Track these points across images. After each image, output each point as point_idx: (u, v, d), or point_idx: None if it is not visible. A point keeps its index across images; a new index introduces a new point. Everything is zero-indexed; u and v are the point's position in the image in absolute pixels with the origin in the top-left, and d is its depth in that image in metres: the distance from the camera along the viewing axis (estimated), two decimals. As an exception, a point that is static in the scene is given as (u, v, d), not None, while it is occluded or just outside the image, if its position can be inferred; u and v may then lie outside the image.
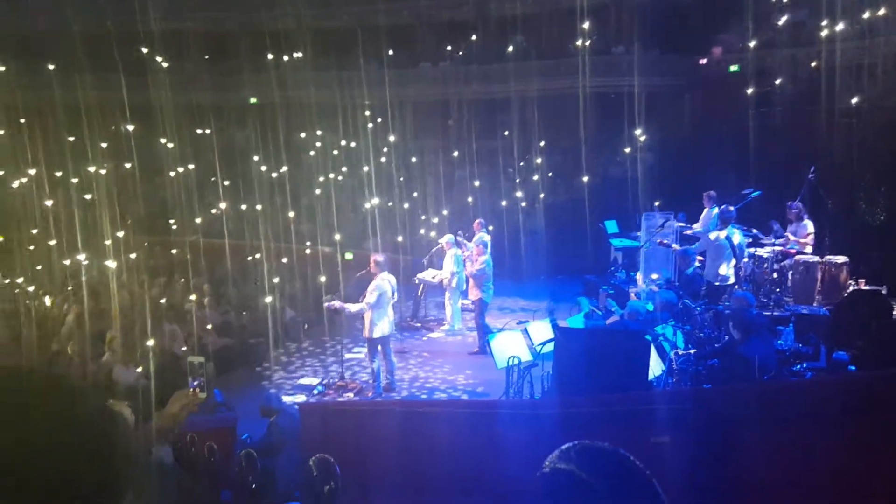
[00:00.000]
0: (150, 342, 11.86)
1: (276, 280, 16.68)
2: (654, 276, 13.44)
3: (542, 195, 22.31)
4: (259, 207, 21.90)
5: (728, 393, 6.33)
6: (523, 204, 22.36)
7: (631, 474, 1.86)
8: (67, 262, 17.61)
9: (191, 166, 24.29)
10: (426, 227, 21.74)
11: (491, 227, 20.44)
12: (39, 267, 18.31)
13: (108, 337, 13.09)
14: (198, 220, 21.79)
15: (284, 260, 18.58)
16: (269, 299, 15.98)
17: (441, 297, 16.44)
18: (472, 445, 6.99)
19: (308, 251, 20.05)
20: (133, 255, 18.73)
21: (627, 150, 21.29)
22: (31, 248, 20.16)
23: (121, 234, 19.26)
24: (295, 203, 23.65)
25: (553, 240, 20.31)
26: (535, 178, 23.09)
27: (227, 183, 23.53)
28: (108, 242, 16.98)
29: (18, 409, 1.34)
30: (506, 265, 20.63)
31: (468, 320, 16.69)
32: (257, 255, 19.11)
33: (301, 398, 12.41)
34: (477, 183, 24.04)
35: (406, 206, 22.39)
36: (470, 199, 22.97)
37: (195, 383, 3.41)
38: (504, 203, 21.87)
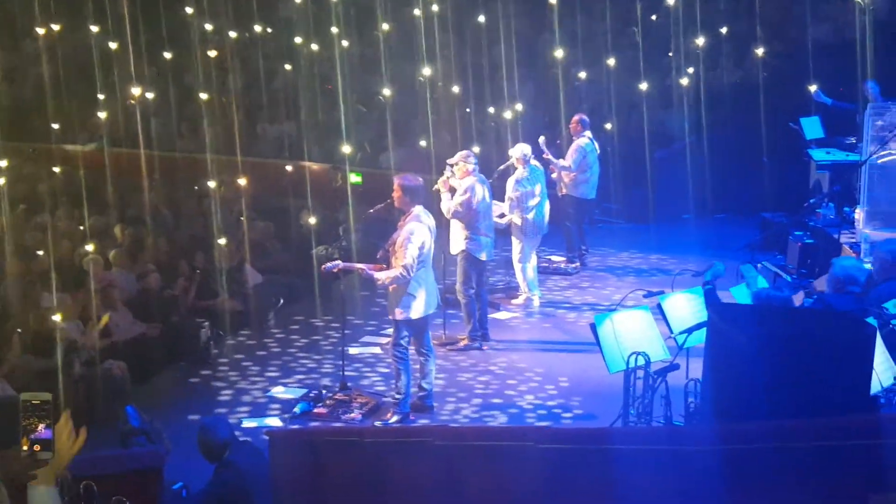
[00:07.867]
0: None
1: (239, 218, 16.84)
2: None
3: (689, 72, 21.91)
4: (203, 96, 22.03)
5: None
6: (693, 80, 21.74)
7: None
8: None
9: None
10: (490, 128, 21.70)
11: (608, 126, 20.34)
12: None
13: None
14: (100, 115, 22.01)
15: (243, 182, 18.65)
16: (222, 242, 16.01)
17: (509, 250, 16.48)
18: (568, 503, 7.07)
19: (288, 169, 20.18)
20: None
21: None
22: None
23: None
24: (265, 84, 23.78)
25: (712, 153, 20.11)
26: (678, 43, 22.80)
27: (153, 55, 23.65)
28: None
29: None
30: (627, 196, 20.53)
31: (554, 287, 16.79)
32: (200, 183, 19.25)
33: (272, 422, 12.60)
34: (574, 52, 23.81)
35: (456, 91, 22.32)
36: (581, 75, 22.76)
37: (38, 435, 3.52)
38: (644, 86, 21.38)
